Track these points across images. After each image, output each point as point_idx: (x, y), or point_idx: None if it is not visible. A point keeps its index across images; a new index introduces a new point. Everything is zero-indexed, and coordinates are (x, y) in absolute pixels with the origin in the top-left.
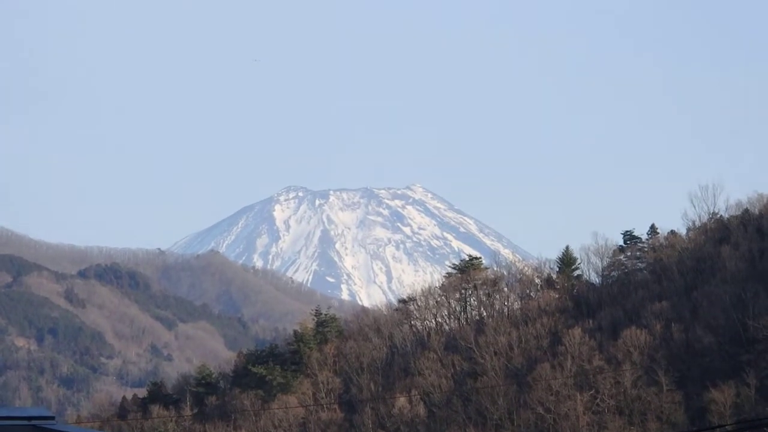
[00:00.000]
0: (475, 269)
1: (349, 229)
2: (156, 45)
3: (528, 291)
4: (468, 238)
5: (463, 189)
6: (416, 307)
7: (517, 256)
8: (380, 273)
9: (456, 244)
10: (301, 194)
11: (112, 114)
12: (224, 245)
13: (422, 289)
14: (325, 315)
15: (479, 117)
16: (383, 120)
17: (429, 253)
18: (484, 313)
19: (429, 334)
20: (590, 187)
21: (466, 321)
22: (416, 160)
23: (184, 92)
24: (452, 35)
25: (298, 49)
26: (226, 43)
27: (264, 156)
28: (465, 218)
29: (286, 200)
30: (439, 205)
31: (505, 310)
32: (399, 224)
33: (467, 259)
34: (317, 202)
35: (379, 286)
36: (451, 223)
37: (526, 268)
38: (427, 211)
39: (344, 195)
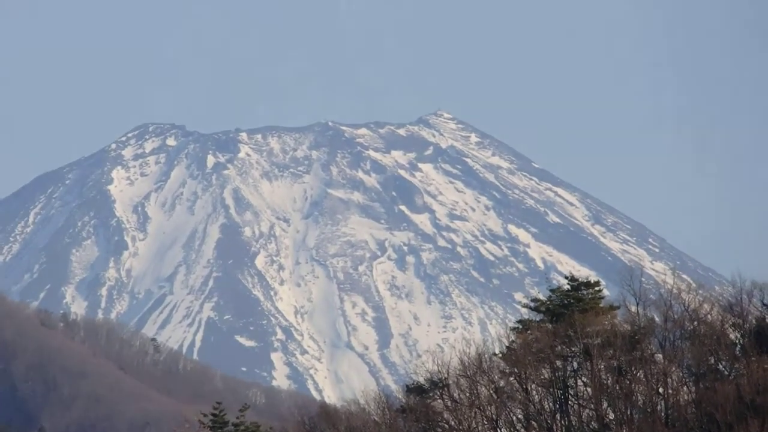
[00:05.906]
0: (588, 310)
1: (285, 221)
2: None
3: (718, 359)
4: (565, 238)
5: (544, 128)
6: (448, 400)
7: (685, 277)
8: (361, 324)
9: (539, 250)
10: (173, 142)
11: None
12: None
13: (462, 360)
14: (236, 426)
15: None
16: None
17: (476, 272)
18: (610, 414)
19: None
20: None
21: None
22: (440, 70)
23: None
24: None
25: None
26: None
27: (95, 76)
28: (557, 189)
29: (138, 155)
30: (495, 159)
31: (665, 405)
32: (402, 207)
33: (566, 285)
34: (212, 160)
35: (360, 356)
36: (525, 202)
37: (709, 310)
38: (469, 174)
39: (273, 141)
